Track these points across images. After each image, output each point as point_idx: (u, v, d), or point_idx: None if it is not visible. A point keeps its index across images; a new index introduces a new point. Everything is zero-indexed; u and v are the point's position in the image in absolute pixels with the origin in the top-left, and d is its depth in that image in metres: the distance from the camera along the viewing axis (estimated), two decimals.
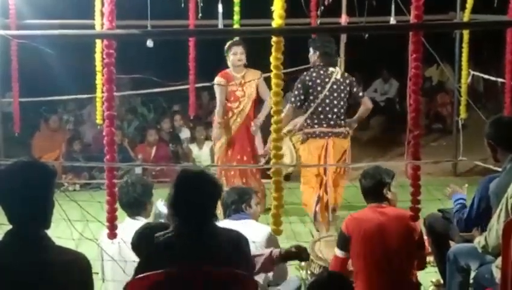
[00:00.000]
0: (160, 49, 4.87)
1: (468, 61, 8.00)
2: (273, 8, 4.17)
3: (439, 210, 4.92)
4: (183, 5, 6.89)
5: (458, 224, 4.44)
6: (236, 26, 7.16)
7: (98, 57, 6.70)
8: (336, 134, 6.13)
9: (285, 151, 6.44)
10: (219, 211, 3.89)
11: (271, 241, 4.27)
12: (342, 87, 6.16)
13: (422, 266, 4.50)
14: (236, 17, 7.23)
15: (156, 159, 9.33)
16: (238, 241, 3.20)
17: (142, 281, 2.95)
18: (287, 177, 6.84)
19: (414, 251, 4.37)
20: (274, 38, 4.19)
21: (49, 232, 2.76)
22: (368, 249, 4.27)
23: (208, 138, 9.45)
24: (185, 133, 10.14)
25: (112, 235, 4.20)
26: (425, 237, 4.98)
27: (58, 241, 2.83)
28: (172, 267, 2.95)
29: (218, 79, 6.91)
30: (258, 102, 7.19)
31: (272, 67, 4.24)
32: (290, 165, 6.74)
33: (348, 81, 6.22)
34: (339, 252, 4.42)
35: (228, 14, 7.13)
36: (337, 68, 6.31)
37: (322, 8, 6.97)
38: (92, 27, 6.67)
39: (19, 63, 7.21)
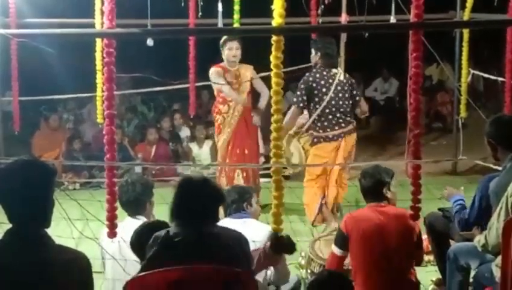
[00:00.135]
0: (160, 48, 4.86)
1: (468, 60, 7.99)
2: (273, 7, 4.16)
3: (439, 209, 4.92)
4: (183, 4, 6.88)
5: (460, 224, 4.43)
6: (236, 25, 7.16)
7: (98, 55, 6.69)
8: (348, 132, 6.22)
9: (294, 151, 6.49)
10: (220, 210, 3.89)
11: None
12: (346, 88, 6.23)
13: (419, 263, 4.52)
14: (236, 16, 7.23)
15: (156, 158, 9.32)
16: (239, 241, 3.21)
17: (142, 281, 2.95)
18: (287, 177, 6.84)
19: (413, 250, 4.37)
20: (274, 38, 4.18)
21: (49, 231, 2.76)
22: (367, 249, 4.27)
23: (207, 136, 9.45)
24: (185, 132, 10.14)
25: (112, 234, 4.20)
26: (424, 236, 4.99)
27: (58, 240, 2.83)
28: (173, 267, 2.95)
29: (214, 69, 6.88)
30: (254, 95, 7.16)
31: (271, 66, 4.23)
32: (297, 165, 6.75)
33: (350, 82, 6.29)
34: (336, 250, 4.43)
35: (228, 13, 7.12)
36: (339, 69, 6.33)
37: (322, 7, 6.96)
38: (92, 26, 6.67)
39: (19, 62, 7.21)
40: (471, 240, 4.21)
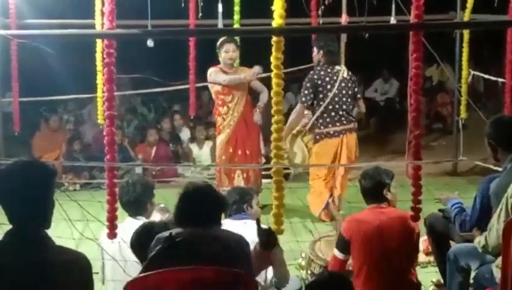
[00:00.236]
0: (161, 48, 4.86)
1: (469, 61, 8.00)
2: (273, 7, 4.17)
3: (439, 210, 4.92)
4: (183, 4, 6.90)
5: (461, 226, 4.42)
6: (236, 25, 7.16)
7: (98, 56, 6.69)
8: (349, 130, 6.25)
9: (297, 151, 6.51)
10: None
11: None
12: (350, 85, 6.27)
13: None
14: (236, 16, 7.23)
15: (156, 159, 9.32)
16: (240, 243, 3.22)
17: (143, 281, 2.95)
18: (286, 177, 6.86)
19: (414, 251, 4.37)
20: (274, 38, 4.18)
21: (50, 232, 2.76)
22: (367, 250, 4.27)
23: (208, 137, 9.45)
24: (185, 133, 10.14)
25: (112, 234, 4.20)
26: (425, 237, 4.99)
27: (59, 241, 2.83)
28: (174, 268, 2.95)
29: (213, 69, 6.86)
30: (254, 95, 7.16)
31: (272, 67, 4.23)
32: (299, 165, 6.76)
33: (353, 79, 6.33)
34: (338, 254, 4.42)
35: (228, 13, 7.13)
36: (342, 66, 6.35)
37: (323, 7, 6.98)
38: (93, 27, 6.67)
39: (19, 62, 7.21)
40: (471, 241, 4.21)
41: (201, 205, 3.25)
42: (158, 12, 5.47)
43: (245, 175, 6.89)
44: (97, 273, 4.21)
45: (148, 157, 9.29)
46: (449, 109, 11.49)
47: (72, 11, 8.09)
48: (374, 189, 4.37)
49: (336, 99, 6.18)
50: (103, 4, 4.25)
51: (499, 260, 3.62)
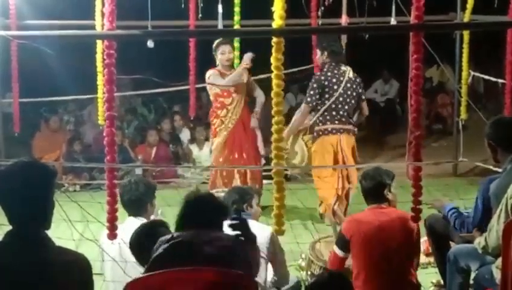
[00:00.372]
0: (161, 49, 4.87)
1: (469, 61, 8.00)
2: (273, 8, 4.17)
3: (439, 211, 4.92)
4: (183, 5, 6.89)
5: (464, 228, 4.41)
6: (236, 26, 7.16)
7: (98, 57, 6.69)
8: (347, 131, 6.21)
9: (298, 150, 6.51)
10: None
11: (273, 241, 4.28)
12: (355, 86, 6.25)
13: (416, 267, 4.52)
14: (236, 17, 7.23)
15: (156, 159, 9.33)
16: (240, 244, 3.22)
17: (143, 282, 2.95)
18: (287, 178, 6.84)
19: (414, 252, 4.38)
20: (274, 39, 4.19)
21: (50, 232, 2.76)
22: (367, 251, 4.27)
23: (208, 138, 9.45)
24: (185, 134, 10.14)
25: (112, 235, 4.20)
26: (425, 238, 4.99)
27: (59, 242, 2.83)
28: (175, 268, 2.95)
29: (212, 71, 6.86)
30: (252, 98, 7.16)
31: (272, 68, 4.24)
32: (301, 166, 6.76)
33: (358, 80, 6.30)
34: (338, 251, 4.46)
35: (228, 14, 7.13)
36: (348, 66, 6.34)
37: (323, 8, 6.97)
38: (93, 27, 6.67)
39: (19, 63, 7.22)
40: (471, 242, 4.21)
41: (203, 213, 3.28)
42: (158, 13, 5.47)
43: (242, 178, 6.85)
44: (101, 274, 4.22)
45: (148, 158, 9.29)
46: (449, 109, 11.49)
47: (72, 12, 8.10)
48: (375, 189, 4.38)
49: (340, 99, 6.18)
50: (103, 5, 4.25)
51: (499, 260, 3.62)
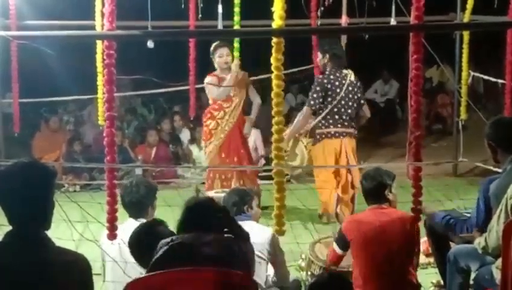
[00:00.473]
0: (161, 50, 4.86)
1: (469, 62, 8.00)
2: (273, 9, 4.17)
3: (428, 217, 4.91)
4: (183, 5, 6.89)
5: (468, 231, 4.40)
6: (236, 27, 7.16)
7: (98, 57, 6.69)
8: (349, 134, 6.26)
9: (298, 152, 6.52)
10: None
11: (274, 242, 4.29)
12: (356, 89, 6.29)
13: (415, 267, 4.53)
14: (236, 18, 7.22)
15: (156, 160, 9.33)
16: (239, 245, 3.23)
17: (143, 282, 2.95)
18: (286, 180, 6.84)
19: (414, 252, 4.38)
20: (274, 39, 4.19)
21: (50, 233, 2.76)
22: (368, 251, 4.27)
23: None
24: (185, 134, 10.14)
25: (112, 236, 4.20)
26: (425, 238, 4.99)
27: (59, 242, 2.83)
28: (174, 269, 2.96)
29: (210, 78, 6.85)
30: (248, 103, 7.16)
31: (272, 68, 4.24)
32: (301, 166, 6.77)
33: (358, 84, 6.34)
34: (337, 249, 4.50)
35: (228, 15, 7.11)
36: (349, 70, 6.35)
37: (322, 8, 6.97)
38: (93, 28, 6.67)
39: (19, 63, 7.22)
40: (471, 242, 4.21)
41: (203, 217, 3.30)
42: (158, 14, 5.47)
43: (242, 182, 6.82)
44: (98, 274, 4.21)
45: (148, 158, 9.30)
46: (449, 110, 11.50)
47: (72, 12, 8.10)
48: (376, 190, 4.39)
49: (342, 102, 6.20)
50: (103, 5, 4.25)
51: (499, 261, 3.62)
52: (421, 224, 4.46)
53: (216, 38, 6.67)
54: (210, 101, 7.00)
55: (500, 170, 4.28)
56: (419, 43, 4.20)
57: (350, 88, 6.24)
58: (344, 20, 6.89)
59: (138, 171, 8.63)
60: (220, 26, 6.43)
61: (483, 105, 11.64)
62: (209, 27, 7.23)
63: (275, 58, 4.19)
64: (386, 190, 4.38)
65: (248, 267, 3.25)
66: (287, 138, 6.35)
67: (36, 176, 2.73)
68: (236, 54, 7.21)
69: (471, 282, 4.38)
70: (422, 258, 5.21)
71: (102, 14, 4.57)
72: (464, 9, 7.79)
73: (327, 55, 6.31)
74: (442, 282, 4.82)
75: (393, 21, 5.94)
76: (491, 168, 6.40)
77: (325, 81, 6.21)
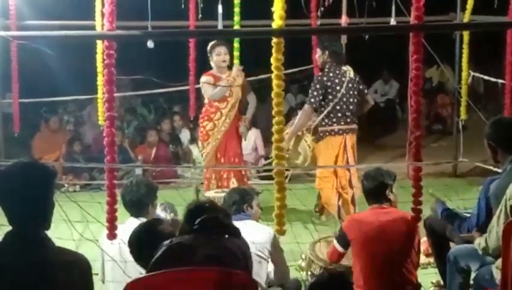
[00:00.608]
0: (161, 50, 4.87)
1: (469, 62, 8.00)
2: (273, 9, 4.17)
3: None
4: (183, 5, 6.89)
5: (468, 231, 4.39)
6: (236, 27, 7.16)
7: (98, 57, 6.69)
8: (352, 130, 6.31)
9: (301, 151, 6.53)
10: None
11: (274, 242, 4.29)
12: (355, 85, 6.33)
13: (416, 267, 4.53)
14: (236, 18, 7.23)
15: (156, 159, 9.33)
16: (239, 245, 3.23)
17: (143, 282, 2.96)
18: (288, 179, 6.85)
19: (415, 252, 4.38)
20: (274, 39, 4.19)
21: (50, 233, 2.76)
22: (368, 251, 4.28)
23: None
24: (185, 134, 10.14)
25: (112, 235, 4.20)
26: (424, 239, 4.99)
27: (59, 242, 2.83)
28: (174, 269, 2.96)
29: (206, 78, 6.84)
30: (243, 102, 7.15)
31: (272, 68, 4.24)
32: (301, 166, 6.76)
33: (357, 78, 6.37)
34: (338, 247, 4.52)
35: (228, 15, 7.12)
36: (348, 66, 6.36)
37: (322, 9, 6.97)
38: (93, 28, 6.67)
39: (19, 63, 7.22)
40: (471, 242, 4.20)
41: (203, 220, 3.28)
42: (158, 14, 5.47)
43: (240, 183, 6.80)
44: (97, 274, 4.21)
45: (148, 158, 9.30)
46: (449, 110, 11.50)
47: (72, 12, 8.10)
48: (376, 189, 4.39)
49: (344, 99, 6.24)
50: (103, 5, 4.25)
51: (499, 261, 3.62)
52: (421, 224, 4.46)
53: (216, 38, 6.66)
54: (205, 100, 6.98)
55: (500, 170, 4.27)
56: (419, 43, 4.20)
57: (350, 85, 6.27)
58: (344, 20, 6.89)
59: (138, 171, 8.64)
60: (220, 26, 6.43)
61: (483, 105, 11.65)
62: (209, 27, 7.23)
63: (275, 58, 4.19)
64: (387, 189, 4.39)
65: (248, 266, 3.25)
66: (289, 137, 6.36)
67: (36, 176, 2.73)
68: (236, 53, 7.22)
69: (471, 282, 4.38)
70: (422, 258, 5.21)
71: (102, 14, 4.57)
72: (464, 9, 7.79)
73: (327, 52, 6.33)
74: (442, 282, 4.83)
75: (393, 21, 5.95)
76: (491, 168, 6.40)
77: (325, 78, 6.22)
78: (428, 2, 4.15)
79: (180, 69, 8.05)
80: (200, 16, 7.27)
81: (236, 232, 3.32)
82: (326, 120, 6.25)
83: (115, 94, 4.22)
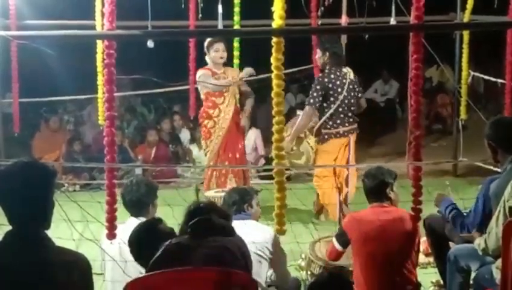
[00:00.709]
0: (161, 49, 4.87)
1: (469, 62, 8.00)
2: (273, 8, 4.17)
3: (439, 211, 4.91)
4: (183, 5, 6.89)
5: (464, 229, 4.38)
6: (236, 26, 7.16)
7: (98, 57, 6.69)
8: (354, 130, 6.41)
9: (303, 151, 6.56)
10: None
11: (275, 242, 4.28)
12: (356, 86, 6.42)
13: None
14: (236, 17, 7.23)
15: (156, 159, 9.33)
16: (237, 244, 3.23)
17: (143, 282, 2.96)
18: (287, 178, 6.85)
19: (415, 251, 4.38)
20: (274, 39, 4.19)
21: (50, 232, 2.76)
22: (368, 250, 4.28)
23: None
24: (184, 134, 10.14)
25: (111, 235, 4.20)
26: (424, 238, 4.99)
27: (59, 242, 2.83)
28: (174, 269, 2.96)
29: (202, 71, 6.82)
30: (242, 97, 7.14)
31: (272, 68, 4.24)
32: (302, 166, 6.78)
33: (356, 80, 6.44)
34: (337, 245, 4.52)
35: (228, 14, 7.12)
36: (348, 68, 6.38)
37: (322, 8, 6.97)
38: (93, 28, 6.67)
39: (19, 63, 7.22)
40: (471, 241, 4.21)
41: (203, 220, 3.29)
42: (158, 13, 5.47)
43: (237, 178, 6.81)
44: (98, 273, 4.21)
45: (148, 158, 9.30)
46: (449, 109, 11.49)
47: (72, 12, 8.10)
48: (377, 188, 4.40)
49: (346, 101, 6.29)
50: (103, 5, 4.25)
51: (499, 261, 3.63)
52: (420, 223, 4.46)
53: (216, 38, 6.66)
54: (202, 97, 6.95)
55: (500, 170, 4.28)
56: (419, 43, 4.20)
57: (351, 86, 6.33)
58: (344, 20, 6.88)
59: (138, 170, 8.64)
60: (220, 26, 6.44)
61: (483, 105, 11.64)
62: (209, 27, 7.24)
63: (275, 58, 4.20)
64: (387, 188, 4.40)
65: (247, 266, 3.25)
66: (291, 138, 6.39)
67: (36, 175, 2.73)
68: (236, 53, 7.22)
69: (471, 282, 4.39)
70: (422, 258, 5.22)
71: (102, 14, 4.57)
72: (464, 9, 7.79)
73: (327, 53, 6.35)
74: (442, 282, 4.83)
75: (393, 21, 5.96)
76: (491, 168, 6.40)
77: (326, 80, 6.24)
78: (428, 2, 4.15)
79: (180, 69, 8.05)
80: (200, 15, 7.27)
81: (231, 233, 3.33)
82: (330, 123, 6.30)
83: (115, 94, 4.22)
